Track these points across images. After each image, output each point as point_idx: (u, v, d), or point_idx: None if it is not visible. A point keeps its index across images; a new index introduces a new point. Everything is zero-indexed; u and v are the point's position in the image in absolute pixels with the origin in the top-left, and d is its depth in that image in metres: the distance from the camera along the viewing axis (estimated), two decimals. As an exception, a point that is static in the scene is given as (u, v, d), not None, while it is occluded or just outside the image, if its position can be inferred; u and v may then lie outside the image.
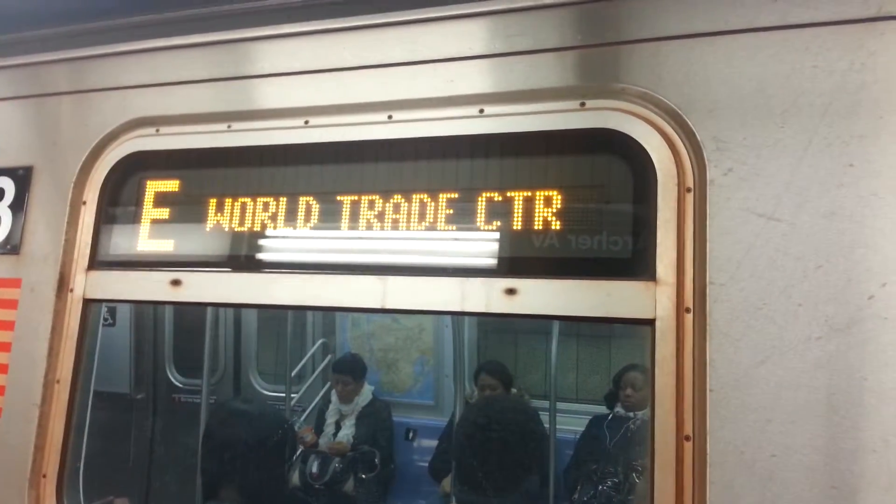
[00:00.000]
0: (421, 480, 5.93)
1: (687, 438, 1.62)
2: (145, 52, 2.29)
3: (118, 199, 2.30)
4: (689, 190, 1.70)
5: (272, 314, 6.65)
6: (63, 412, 2.20)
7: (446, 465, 5.44)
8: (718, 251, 1.63)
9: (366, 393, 6.00)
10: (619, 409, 5.50)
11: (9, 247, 2.38)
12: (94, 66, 2.36)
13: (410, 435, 6.38)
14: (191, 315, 6.46)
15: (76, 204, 2.32)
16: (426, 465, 5.83)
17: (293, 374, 6.66)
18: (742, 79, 1.68)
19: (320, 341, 6.99)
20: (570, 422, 5.73)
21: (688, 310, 1.66)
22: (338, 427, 5.86)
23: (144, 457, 6.23)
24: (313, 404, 6.53)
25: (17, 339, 2.30)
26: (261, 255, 2.10)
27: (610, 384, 5.65)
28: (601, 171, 1.82)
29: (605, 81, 1.82)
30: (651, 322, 1.68)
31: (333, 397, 6.04)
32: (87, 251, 2.28)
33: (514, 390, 5.71)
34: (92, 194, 2.31)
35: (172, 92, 2.26)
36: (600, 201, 1.80)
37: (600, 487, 4.84)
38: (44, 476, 2.19)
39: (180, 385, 6.87)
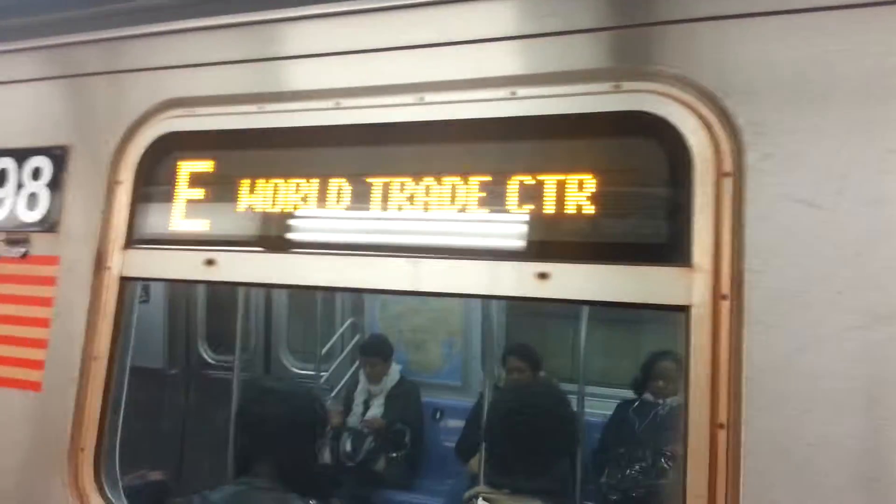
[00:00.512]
0: (448, 460, 5.96)
1: (721, 426, 1.60)
2: (178, 32, 2.30)
3: (153, 179, 2.33)
4: (726, 175, 1.66)
5: (303, 293, 6.70)
6: (100, 388, 2.25)
7: (474, 446, 5.46)
8: (756, 237, 1.60)
9: (394, 373, 6.04)
10: (647, 395, 5.46)
11: (47, 225, 2.42)
12: (128, 47, 2.38)
13: (438, 415, 6.42)
14: (223, 293, 6.55)
15: (112, 183, 2.35)
16: (453, 445, 5.87)
17: (322, 352, 6.73)
18: (778, 62, 1.63)
19: (349, 321, 7.04)
20: (598, 405, 5.70)
21: (724, 296, 1.63)
22: (366, 407, 5.91)
23: (177, 431, 6.37)
24: (342, 383, 6.59)
25: (56, 316, 2.35)
26: (293, 237, 2.11)
27: (638, 371, 5.61)
28: (636, 155, 1.79)
29: (639, 63, 1.78)
30: (686, 309, 1.66)
31: (362, 377, 6.09)
32: (124, 230, 2.31)
33: (541, 374, 5.70)
34: (127, 174, 2.34)
35: (205, 73, 2.27)
36: (635, 185, 1.77)
37: (628, 472, 4.83)
38: (81, 450, 2.25)
39: (212, 361, 6.98)
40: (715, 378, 1.62)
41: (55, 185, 2.43)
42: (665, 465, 4.75)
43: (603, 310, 6.00)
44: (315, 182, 2.11)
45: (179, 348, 6.88)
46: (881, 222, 1.51)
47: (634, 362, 5.66)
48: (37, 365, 2.35)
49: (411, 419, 5.78)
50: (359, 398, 5.96)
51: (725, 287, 1.63)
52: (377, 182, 2.01)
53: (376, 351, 6.04)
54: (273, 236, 2.14)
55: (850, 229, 1.53)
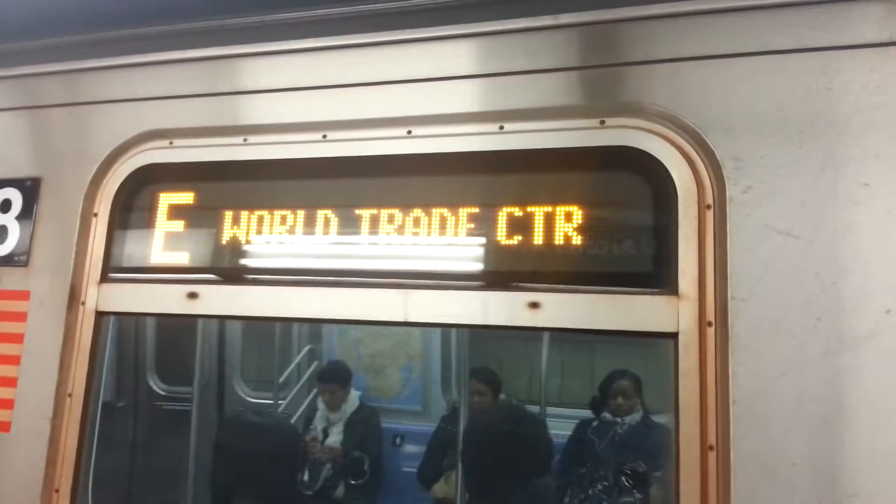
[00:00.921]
0: (409, 486, 5.93)
1: (710, 448, 1.67)
2: (158, 64, 2.28)
3: (131, 212, 2.29)
4: (708, 207, 1.75)
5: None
6: (77, 426, 2.19)
7: (436, 471, 5.46)
8: (739, 267, 1.69)
9: (353, 399, 5.98)
10: (605, 415, 5.57)
11: (17, 259, 2.35)
12: (104, 78, 2.35)
13: (398, 441, 6.39)
14: (172, 322, 6.39)
15: (87, 216, 2.30)
16: (414, 470, 5.84)
17: (280, 380, 6.63)
18: (760, 99, 1.74)
19: (307, 347, 6.97)
20: (556, 426, 5.78)
21: (710, 323, 1.71)
22: (325, 434, 5.84)
23: (126, 466, 6.15)
24: (300, 411, 6.49)
25: (26, 353, 2.28)
26: (280, 269, 2.11)
27: (596, 391, 5.72)
28: (622, 188, 1.87)
29: (624, 100, 1.86)
30: (674, 336, 1.73)
31: (320, 405, 6.01)
32: (100, 264, 2.26)
33: (502, 396, 5.75)
34: (104, 206, 2.29)
35: (186, 104, 2.25)
36: (621, 218, 1.85)
37: (590, 491, 4.90)
38: (56, 491, 2.17)
39: (162, 393, 6.78)
40: (703, 402, 1.69)
41: (25, 217, 2.37)
42: (626, 484, 4.84)
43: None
44: (301, 214, 2.12)
45: (128, 379, 6.65)
46: (855, 251, 1.62)
47: (588, 382, 5.77)
48: (5, 404, 2.26)
49: (371, 445, 5.73)
50: (318, 426, 5.88)
51: (711, 314, 1.71)
52: (366, 214, 2.03)
53: (334, 378, 5.98)
54: (259, 268, 2.13)
55: (827, 259, 1.63)
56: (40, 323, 2.27)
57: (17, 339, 2.30)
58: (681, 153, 1.79)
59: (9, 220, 2.39)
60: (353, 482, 5.59)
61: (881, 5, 1.71)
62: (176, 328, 6.35)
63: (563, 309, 1.83)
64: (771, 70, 1.74)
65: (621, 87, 1.88)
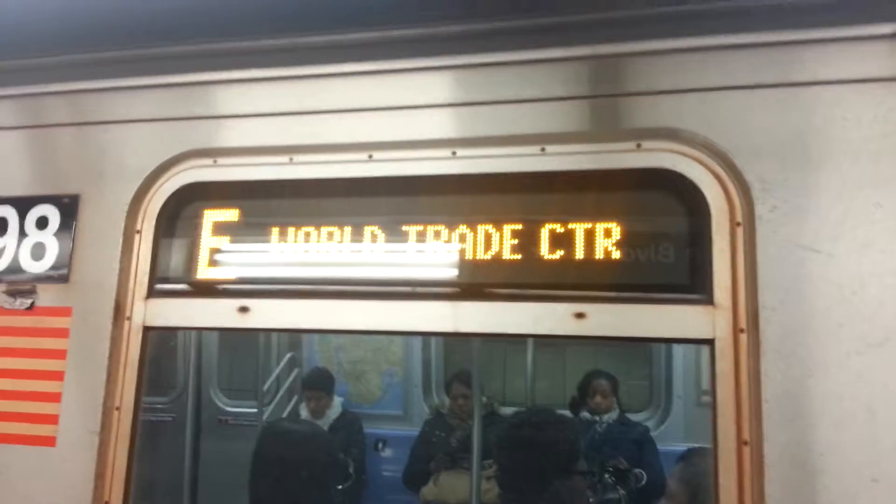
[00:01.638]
0: (392, 490, 6.04)
1: (745, 443, 1.85)
2: (203, 84, 2.36)
3: (176, 228, 2.36)
4: (738, 224, 1.94)
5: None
6: (126, 439, 2.24)
7: (422, 474, 5.58)
8: (767, 278, 1.87)
9: (336, 406, 6.07)
10: (584, 414, 5.80)
11: (56, 275, 2.39)
12: (145, 96, 2.41)
13: (380, 445, 6.48)
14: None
15: (130, 233, 2.35)
16: (395, 474, 5.95)
17: (264, 389, 6.65)
18: (782, 127, 1.93)
19: (288, 355, 6.99)
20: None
21: (742, 330, 1.89)
22: (311, 441, 5.89)
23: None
24: (283, 418, 6.51)
25: (70, 368, 2.31)
26: (329, 282, 2.21)
27: (576, 392, 5.95)
28: (659, 206, 2.04)
29: (658, 125, 2.04)
30: (711, 342, 1.91)
31: (303, 412, 6.07)
32: (146, 279, 2.32)
33: (484, 399, 5.91)
34: (148, 223, 2.35)
35: (232, 124, 2.33)
36: (660, 234, 2.02)
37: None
38: (106, 502, 2.22)
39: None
40: (738, 401, 1.87)
41: (64, 234, 2.40)
42: (610, 480, 5.06)
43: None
44: (348, 229, 2.22)
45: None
46: (871, 264, 1.82)
47: (561, 383, 6.02)
48: (50, 419, 2.30)
49: (355, 450, 5.82)
50: (303, 433, 5.93)
51: (743, 322, 1.89)
52: (412, 230, 2.15)
53: (319, 385, 6.06)
54: (308, 282, 2.23)
55: (845, 271, 1.83)
56: (84, 338, 2.32)
57: (60, 354, 2.33)
58: (712, 174, 1.97)
59: (46, 236, 2.42)
60: (338, 487, 5.66)
61: (885, 44, 1.92)
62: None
63: (607, 318, 1.99)
64: (791, 101, 1.94)
65: (656, 113, 2.05)
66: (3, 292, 2.42)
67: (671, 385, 6.52)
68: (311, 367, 6.65)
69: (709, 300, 1.93)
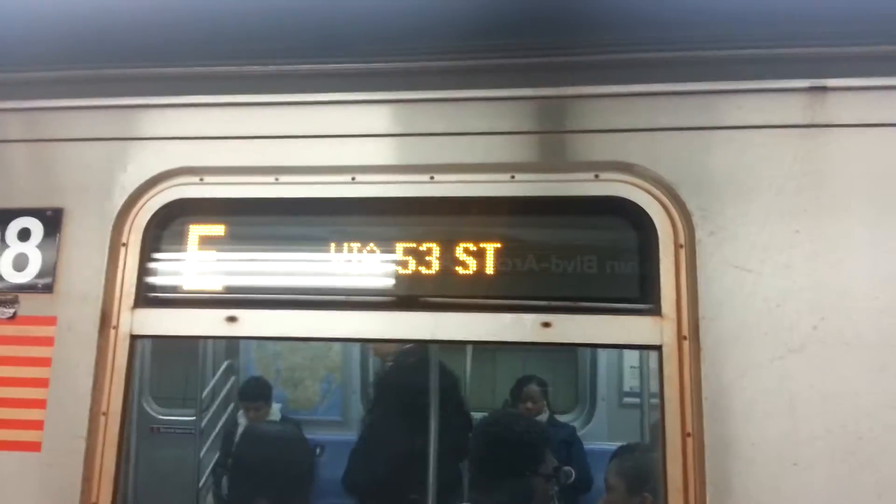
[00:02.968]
0: (332, 495, 6.14)
1: (688, 435, 2.14)
2: (190, 106, 2.49)
3: (163, 242, 2.47)
4: (681, 246, 2.24)
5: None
6: (114, 443, 2.33)
7: (364, 478, 5.71)
8: (706, 293, 2.18)
9: (275, 413, 6.14)
10: (517, 417, 6.10)
11: (40, 286, 2.45)
12: (134, 115, 2.51)
13: (318, 451, 6.56)
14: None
15: (116, 245, 2.45)
16: (336, 479, 6.06)
17: (191, 397, 6.62)
18: (718, 164, 2.25)
19: (225, 363, 6.99)
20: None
21: (685, 337, 2.19)
22: (250, 448, 5.94)
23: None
24: (218, 427, 6.52)
25: (54, 375, 2.38)
26: (318, 294, 2.38)
27: (508, 396, 6.26)
28: (615, 230, 2.33)
29: (613, 159, 2.32)
30: (659, 348, 2.21)
31: (242, 420, 6.11)
32: (132, 290, 2.42)
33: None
34: (134, 237, 2.45)
35: (217, 145, 2.47)
36: (615, 253, 2.30)
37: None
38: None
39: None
40: (682, 399, 2.17)
41: (47, 246, 2.47)
42: (542, 479, 5.36)
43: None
44: (332, 245, 2.41)
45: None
46: (791, 282, 2.16)
47: (491, 387, 6.31)
48: (35, 425, 2.36)
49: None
50: (242, 441, 5.98)
51: (686, 330, 2.20)
52: (399, 246, 2.36)
53: (258, 394, 6.12)
54: (292, 294, 2.39)
55: (770, 287, 2.16)
56: (69, 347, 2.39)
57: (44, 362, 2.40)
58: (660, 203, 2.28)
59: (28, 248, 2.48)
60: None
61: (803, 96, 2.28)
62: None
63: (570, 327, 2.25)
64: (727, 141, 2.26)
65: (611, 148, 2.33)
66: (-17, 302, 2.46)
67: (596, 388, 6.94)
68: (248, 374, 6.68)
69: (657, 311, 2.23)
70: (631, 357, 6.78)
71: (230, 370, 7.01)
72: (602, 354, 6.83)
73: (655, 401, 5.91)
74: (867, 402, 2.06)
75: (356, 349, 6.69)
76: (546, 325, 2.25)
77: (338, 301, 2.37)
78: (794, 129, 2.25)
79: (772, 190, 2.22)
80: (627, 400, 6.81)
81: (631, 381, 6.79)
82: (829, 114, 2.26)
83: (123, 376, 2.38)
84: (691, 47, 2.31)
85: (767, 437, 2.09)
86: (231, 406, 6.51)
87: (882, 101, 2.23)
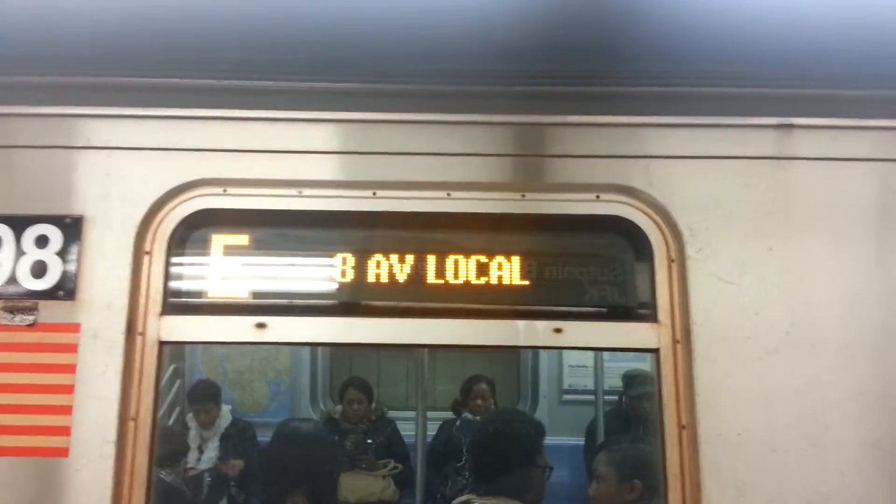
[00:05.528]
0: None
1: (683, 427, 2.44)
2: (214, 119, 2.58)
3: (187, 251, 2.55)
4: (673, 261, 2.54)
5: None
6: (145, 448, 2.40)
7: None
8: (696, 303, 2.48)
9: (225, 415, 6.13)
10: (466, 414, 6.37)
11: (60, 293, 2.48)
12: (157, 126, 2.57)
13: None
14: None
15: (139, 253, 2.50)
16: (285, 479, 6.12)
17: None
18: (704, 189, 2.56)
19: (171, 367, 6.85)
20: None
21: (678, 341, 2.49)
22: (201, 451, 5.92)
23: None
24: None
25: (80, 382, 2.42)
26: (342, 301, 2.54)
27: (458, 395, 6.50)
28: (615, 246, 2.60)
29: (613, 182, 2.59)
30: (656, 350, 2.49)
31: (192, 423, 6.07)
32: (158, 297, 2.49)
33: (373, 404, 6.29)
34: (158, 245, 2.52)
35: (240, 157, 2.57)
36: (618, 267, 2.58)
37: (465, 482, 5.63)
38: (127, 506, 2.37)
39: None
40: (677, 395, 2.46)
41: (66, 253, 2.49)
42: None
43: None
44: (350, 257, 2.56)
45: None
46: (766, 293, 2.49)
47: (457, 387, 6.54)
48: (62, 431, 2.40)
49: (251, 457, 5.94)
50: (192, 444, 5.94)
51: (679, 335, 2.49)
52: (418, 259, 2.54)
53: (207, 397, 6.09)
54: (319, 301, 2.54)
55: (749, 298, 2.49)
56: (95, 353, 2.43)
57: (69, 369, 2.43)
58: (654, 223, 2.57)
59: (47, 255, 2.49)
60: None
61: (773, 131, 2.62)
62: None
63: (578, 333, 2.51)
64: (712, 169, 2.58)
65: (611, 172, 2.60)
66: (2, 309, 2.46)
67: (538, 386, 7.28)
68: (194, 378, 6.61)
69: (654, 318, 2.51)
70: (570, 356, 7.17)
71: (176, 374, 6.90)
72: (543, 355, 7.18)
73: (610, 397, 6.26)
74: (832, 395, 2.42)
75: (305, 353, 6.76)
76: (558, 330, 2.50)
77: (364, 307, 2.53)
78: (766, 161, 2.58)
79: (749, 212, 2.54)
80: (567, 397, 7.20)
81: (570, 379, 7.18)
82: (795, 148, 2.61)
83: (153, 382, 2.45)
84: (683, 83, 2.61)
85: (750, 427, 2.41)
86: (178, 409, 6.42)
87: (840, 139, 2.60)
